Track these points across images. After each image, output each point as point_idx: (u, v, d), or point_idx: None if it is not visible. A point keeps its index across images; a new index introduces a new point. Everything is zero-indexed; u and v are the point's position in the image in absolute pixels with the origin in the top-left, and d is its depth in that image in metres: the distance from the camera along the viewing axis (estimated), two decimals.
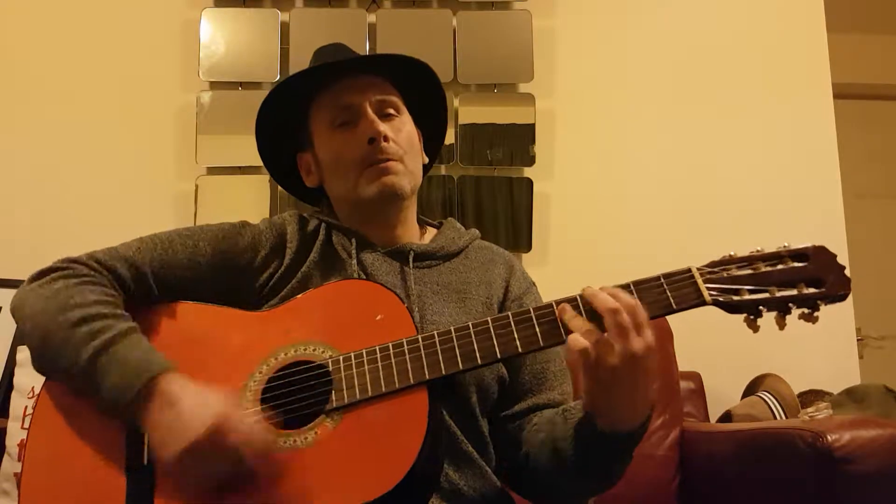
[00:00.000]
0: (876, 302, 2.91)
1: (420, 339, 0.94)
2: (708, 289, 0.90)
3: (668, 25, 2.40)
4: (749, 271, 0.91)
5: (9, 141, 2.26)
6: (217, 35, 2.28)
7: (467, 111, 2.28)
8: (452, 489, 1.01)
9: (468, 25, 2.31)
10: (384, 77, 1.18)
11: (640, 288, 0.91)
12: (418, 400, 0.91)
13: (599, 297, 0.87)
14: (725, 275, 0.91)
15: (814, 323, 0.89)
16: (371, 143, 1.11)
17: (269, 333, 1.01)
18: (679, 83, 2.37)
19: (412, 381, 0.92)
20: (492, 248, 1.24)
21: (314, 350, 0.97)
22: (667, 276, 0.91)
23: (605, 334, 0.85)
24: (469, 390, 1.05)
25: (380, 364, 0.93)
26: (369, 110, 1.13)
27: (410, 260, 1.13)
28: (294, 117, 1.20)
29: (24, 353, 1.81)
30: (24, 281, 1.04)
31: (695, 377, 2.02)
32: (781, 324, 0.89)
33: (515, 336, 0.93)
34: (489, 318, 0.95)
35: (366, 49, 2.26)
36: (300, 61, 1.22)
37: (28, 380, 1.77)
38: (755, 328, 0.90)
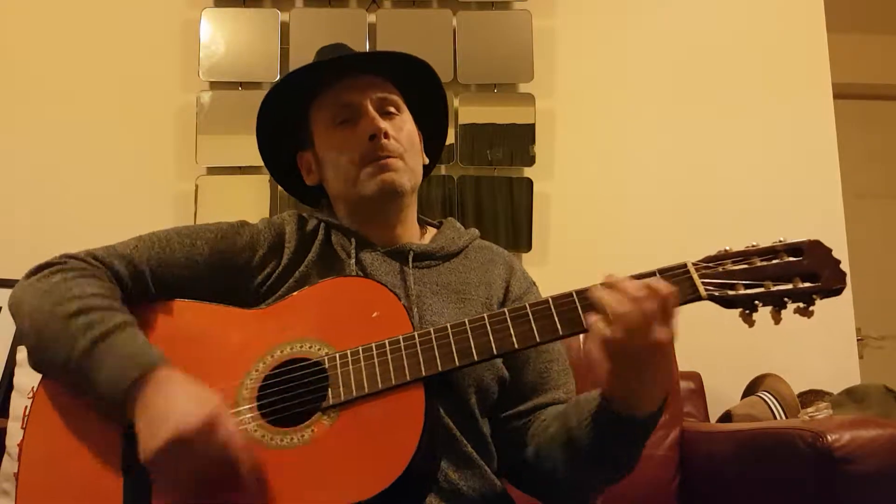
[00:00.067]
0: (876, 302, 2.90)
1: (416, 336, 0.94)
2: (703, 283, 0.90)
3: (668, 25, 2.40)
4: (744, 266, 0.91)
5: (9, 141, 2.26)
6: (217, 35, 2.28)
7: (467, 111, 2.28)
8: (452, 489, 1.01)
9: (468, 25, 2.31)
10: (385, 76, 1.18)
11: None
12: (415, 397, 0.91)
13: (628, 284, 0.86)
14: (721, 269, 0.91)
15: (809, 317, 0.89)
16: (372, 140, 1.11)
17: (266, 331, 1.01)
18: (679, 83, 2.37)
19: (408, 378, 0.92)
20: (492, 248, 1.24)
21: (310, 347, 0.97)
22: (663, 270, 0.91)
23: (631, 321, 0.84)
24: (468, 391, 1.05)
25: (376, 361, 0.93)
26: (370, 108, 1.13)
27: (410, 260, 1.13)
28: (294, 116, 1.20)
29: (23, 353, 1.81)
30: (20, 280, 1.04)
31: (695, 377, 2.02)
32: (777, 318, 0.89)
33: (511, 332, 0.93)
34: (485, 315, 0.95)
35: (366, 49, 2.26)
36: (300, 61, 1.22)
37: (28, 380, 1.77)
38: (750, 322, 0.90)
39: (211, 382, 0.94)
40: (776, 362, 2.08)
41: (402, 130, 1.15)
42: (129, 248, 1.08)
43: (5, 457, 1.75)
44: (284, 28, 2.29)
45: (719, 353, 2.07)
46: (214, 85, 2.29)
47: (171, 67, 2.32)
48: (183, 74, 2.31)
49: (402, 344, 0.94)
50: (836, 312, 2.11)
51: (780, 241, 0.92)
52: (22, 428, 1.71)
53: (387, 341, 0.94)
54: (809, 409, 1.90)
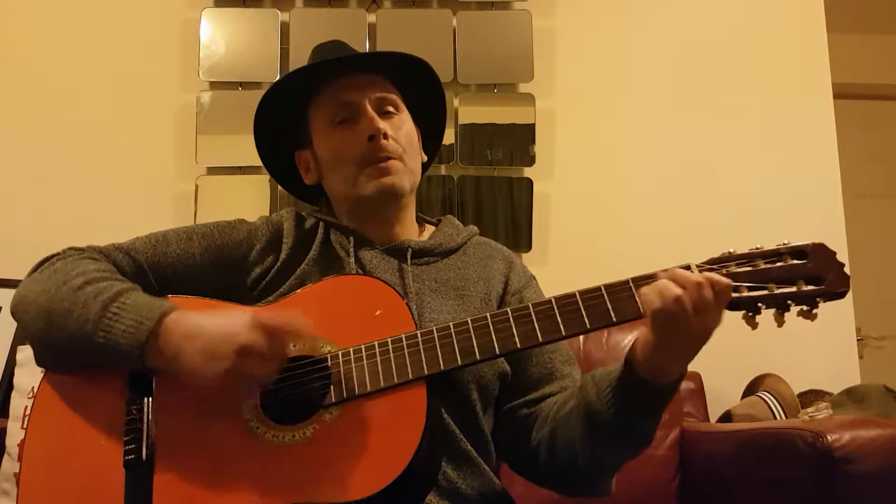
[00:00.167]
0: (876, 302, 2.90)
1: (419, 335, 0.94)
2: None
3: (668, 25, 2.40)
4: (748, 268, 0.91)
5: (9, 141, 2.26)
6: (217, 35, 2.28)
7: (467, 111, 2.28)
8: (451, 488, 1.01)
9: (468, 25, 2.31)
10: (384, 75, 1.18)
11: (639, 284, 0.91)
12: (417, 395, 0.91)
13: (683, 274, 0.88)
14: (725, 272, 0.91)
15: (812, 320, 0.89)
16: (371, 141, 1.11)
17: None
18: (679, 83, 2.37)
19: (411, 377, 0.92)
20: (490, 244, 1.24)
21: (313, 345, 0.97)
22: (667, 271, 0.91)
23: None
24: (469, 387, 1.05)
25: (378, 359, 0.94)
26: (369, 108, 1.13)
27: (409, 257, 1.13)
28: (293, 115, 1.20)
29: (23, 353, 1.81)
30: (23, 280, 1.05)
31: (695, 377, 2.02)
32: (780, 321, 0.90)
33: (514, 332, 0.93)
34: (488, 314, 0.95)
35: (366, 49, 2.26)
36: (300, 61, 1.22)
37: (28, 380, 1.77)
38: (754, 325, 0.90)
39: None
40: (776, 362, 2.08)
41: (401, 130, 1.15)
42: (126, 245, 1.10)
43: (5, 457, 1.75)
44: (284, 28, 2.29)
45: (719, 353, 2.05)
46: (214, 85, 2.29)
47: (171, 67, 2.32)
48: (183, 74, 2.31)
49: (404, 342, 0.94)
50: (836, 312, 2.10)
51: (785, 244, 0.92)
52: (22, 428, 1.71)
53: (389, 339, 0.95)
54: (809, 409, 1.90)
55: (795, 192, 2.32)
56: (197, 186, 2.21)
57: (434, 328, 0.95)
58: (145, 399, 0.95)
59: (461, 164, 2.25)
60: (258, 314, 0.89)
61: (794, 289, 0.90)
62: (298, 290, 1.05)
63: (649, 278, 0.91)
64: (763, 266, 0.91)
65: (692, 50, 2.38)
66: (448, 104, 1.27)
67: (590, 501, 1.13)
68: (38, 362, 1.01)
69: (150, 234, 1.12)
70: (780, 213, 2.29)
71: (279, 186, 1.39)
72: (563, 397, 1.08)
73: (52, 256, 1.06)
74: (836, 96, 2.41)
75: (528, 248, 2.23)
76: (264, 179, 2.21)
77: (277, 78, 2.20)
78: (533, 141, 2.28)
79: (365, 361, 0.94)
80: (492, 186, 2.25)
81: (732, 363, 2.09)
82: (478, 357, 0.93)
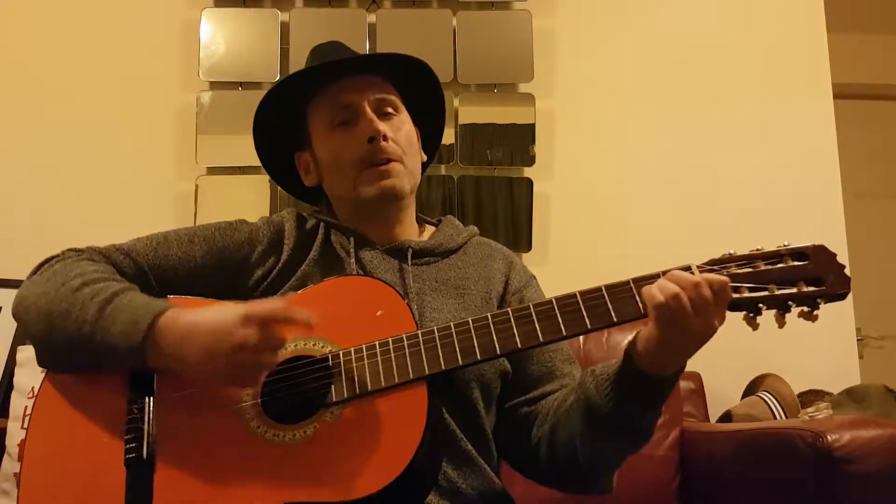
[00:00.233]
0: (876, 302, 2.91)
1: (420, 335, 0.95)
2: None
3: (668, 25, 2.40)
4: (749, 269, 0.91)
5: (9, 141, 2.26)
6: (217, 35, 2.28)
7: (467, 111, 2.28)
8: (451, 487, 1.01)
9: (468, 25, 2.31)
10: (383, 76, 1.18)
11: (640, 285, 0.91)
12: (417, 395, 0.91)
13: (684, 274, 0.88)
14: (725, 273, 0.91)
15: (813, 321, 0.90)
16: (371, 143, 1.11)
17: None
18: (679, 83, 2.37)
19: (412, 376, 0.92)
20: (490, 244, 1.24)
21: (314, 345, 0.98)
22: (667, 273, 0.91)
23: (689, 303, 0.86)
24: (470, 386, 1.05)
25: (379, 359, 0.94)
26: (368, 109, 1.13)
27: (409, 257, 1.13)
28: (292, 117, 1.20)
29: (23, 353, 1.81)
30: (24, 281, 1.05)
31: (695, 377, 2.02)
32: (781, 322, 0.90)
33: (515, 332, 0.94)
34: (489, 314, 0.95)
35: (366, 49, 2.26)
36: (300, 61, 1.22)
37: (28, 380, 1.77)
38: (755, 326, 0.90)
39: None
40: (776, 362, 2.08)
41: (401, 131, 1.16)
42: (127, 246, 1.10)
43: (5, 457, 1.75)
44: (284, 28, 2.29)
45: (719, 353, 2.05)
46: (214, 85, 2.29)
47: (171, 67, 2.32)
48: (183, 74, 2.31)
49: (405, 342, 0.94)
50: (836, 312, 2.09)
51: (785, 245, 0.92)
52: (22, 428, 1.71)
53: (390, 339, 0.95)
54: (809, 409, 1.90)
55: (795, 192, 2.32)
56: (197, 186, 2.21)
57: (435, 328, 0.95)
58: (146, 398, 0.96)
59: (461, 164, 2.25)
60: (250, 308, 0.89)
61: (794, 290, 0.90)
62: (300, 291, 1.05)
63: (650, 279, 0.91)
64: (764, 267, 0.91)
65: (692, 50, 2.38)
66: (448, 104, 1.27)
67: (590, 500, 1.13)
68: (40, 363, 1.02)
69: (150, 235, 1.12)
70: (780, 213, 2.29)
71: (279, 187, 1.39)
72: (562, 394, 1.09)
73: (52, 258, 1.07)
74: (836, 96, 2.41)
75: (528, 248, 2.23)
76: (264, 179, 2.21)
77: (277, 78, 2.21)
78: (533, 141, 2.28)
79: (366, 361, 0.94)
80: (492, 186, 2.25)
81: (732, 363, 2.09)
82: (479, 357, 0.94)
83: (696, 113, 2.35)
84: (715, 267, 0.92)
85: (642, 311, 0.91)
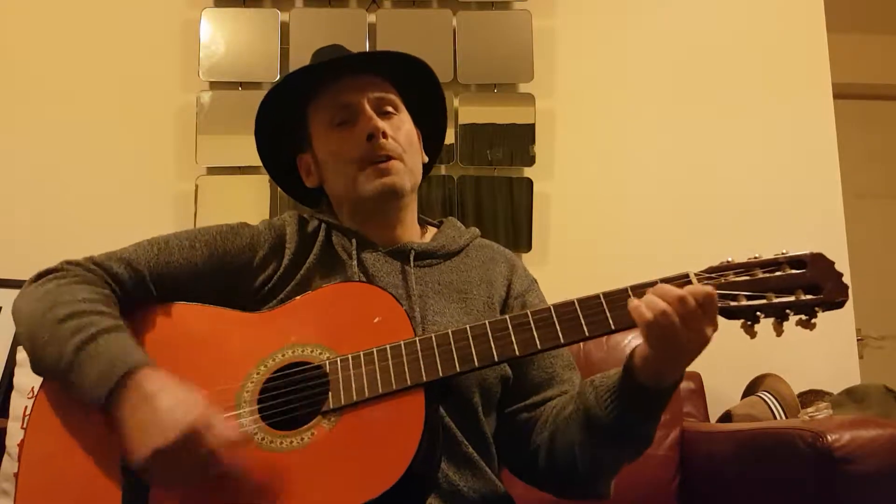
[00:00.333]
0: (876, 302, 2.91)
1: (417, 342, 0.94)
2: None
3: (668, 25, 2.40)
4: (747, 277, 0.91)
5: (9, 141, 2.26)
6: (217, 35, 2.28)
7: (467, 111, 2.28)
8: (452, 490, 1.01)
9: (468, 25, 2.31)
10: (383, 76, 1.18)
11: (638, 292, 0.91)
12: (415, 401, 0.91)
13: (668, 288, 0.88)
14: (723, 280, 0.91)
15: (811, 329, 0.90)
16: (370, 140, 1.11)
17: (268, 335, 1.01)
18: (679, 83, 2.37)
19: (409, 384, 0.92)
20: (492, 247, 1.24)
21: (312, 352, 0.98)
22: (665, 280, 0.91)
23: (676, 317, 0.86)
24: (471, 391, 1.05)
25: (377, 366, 0.93)
26: (368, 108, 1.13)
27: (411, 259, 1.13)
28: (293, 119, 1.20)
29: (23, 354, 1.81)
30: (24, 281, 1.05)
31: (695, 377, 2.02)
32: (779, 330, 0.90)
33: (513, 339, 0.93)
34: (487, 322, 0.95)
35: (365, 49, 2.26)
36: (300, 61, 1.22)
37: (28, 380, 1.77)
38: (752, 334, 0.90)
39: (212, 384, 0.95)
40: (776, 362, 2.08)
41: (401, 130, 1.15)
42: (128, 252, 1.09)
43: (5, 457, 1.75)
44: (284, 28, 2.29)
45: (719, 353, 2.05)
46: (214, 85, 2.29)
47: (171, 67, 2.32)
48: (183, 74, 2.31)
49: (403, 349, 0.94)
50: (836, 313, 2.10)
51: (783, 253, 0.92)
52: (22, 428, 1.71)
53: (388, 346, 0.95)
54: (809, 409, 1.90)
55: (795, 192, 2.32)
56: (197, 186, 2.21)
57: (433, 335, 0.95)
58: None
59: (461, 164, 2.25)
60: (200, 428, 0.85)
61: (792, 298, 0.90)
62: (298, 297, 1.05)
63: (649, 286, 0.91)
64: (762, 275, 0.91)
65: (692, 50, 2.38)
66: (448, 104, 1.27)
67: (589, 502, 1.14)
68: (33, 371, 1.02)
69: (151, 240, 1.11)
70: (780, 213, 2.29)
71: (280, 189, 1.39)
72: (562, 401, 1.09)
73: (50, 272, 1.05)
74: (836, 96, 2.41)
75: (528, 248, 2.23)
76: (264, 179, 2.21)
77: (277, 78, 2.21)
78: (533, 141, 2.28)
79: (363, 368, 0.94)
80: (492, 186, 2.25)
81: (732, 363, 2.09)
82: (476, 364, 0.93)
83: (696, 113, 2.35)
84: (713, 275, 0.92)
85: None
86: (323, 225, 1.17)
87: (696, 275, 0.92)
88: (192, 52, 2.27)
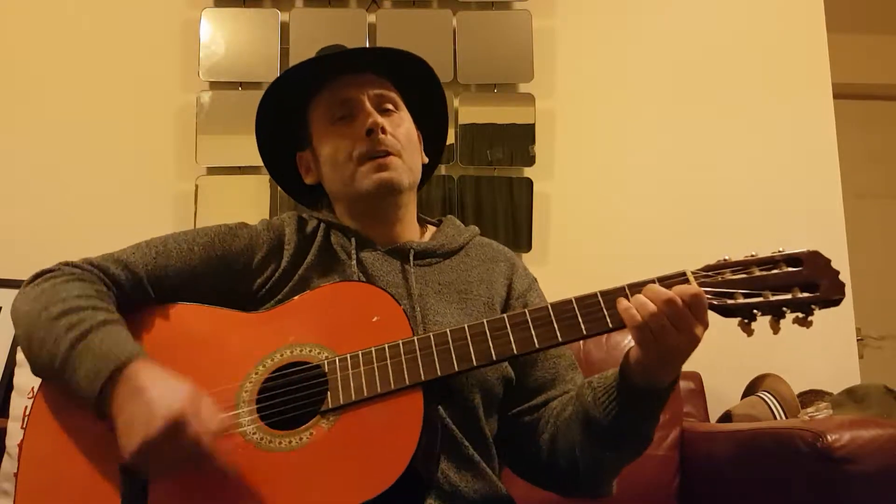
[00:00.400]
0: (876, 302, 2.91)
1: (416, 341, 0.95)
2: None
3: (668, 25, 2.40)
4: (743, 275, 0.92)
5: (9, 141, 2.26)
6: (217, 35, 2.28)
7: (467, 111, 2.28)
8: (452, 491, 1.01)
9: (468, 25, 2.31)
10: (384, 76, 1.18)
11: (635, 291, 0.91)
12: (413, 401, 0.91)
13: (657, 289, 0.89)
14: (720, 279, 0.91)
15: (808, 327, 0.90)
16: (369, 136, 1.11)
17: (266, 335, 1.01)
18: (679, 83, 2.37)
19: (408, 383, 0.92)
20: (492, 245, 1.24)
21: (310, 351, 0.98)
22: (662, 279, 0.92)
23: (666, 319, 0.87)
24: (472, 391, 1.05)
25: (375, 365, 0.93)
26: (367, 104, 1.13)
27: (411, 258, 1.13)
28: (293, 116, 1.20)
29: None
30: (23, 281, 1.05)
31: (695, 377, 2.02)
32: (775, 328, 0.90)
33: (511, 339, 0.93)
34: (485, 321, 0.95)
35: None
36: (300, 61, 1.21)
37: (28, 380, 1.77)
38: (749, 332, 0.91)
39: (211, 385, 0.95)
40: (776, 362, 2.08)
41: (400, 127, 1.15)
42: (126, 255, 1.08)
43: (5, 457, 1.75)
44: (284, 28, 2.29)
45: (719, 353, 2.06)
46: (214, 85, 2.29)
47: (171, 67, 2.32)
48: (183, 74, 2.31)
49: (401, 349, 0.94)
50: (836, 312, 2.10)
51: (780, 251, 0.92)
52: (22, 428, 1.71)
53: (386, 346, 0.95)
54: (809, 409, 1.90)
55: (795, 192, 2.32)
56: (197, 186, 2.21)
57: (431, 335, 0.95)
58: None
59: (461, 164, 2.25)
60: (189, 414, 0.85)
61: (789, 296, 0.90)
62: (297, 297, 1.05)
63: (644, 284, 0.91)
64: (758, 273, 0.91)
65: (692, 50, 2.38)
66: (448, 104, 1.27)
67: (590, 501, 1.14)
68: (32, 372, 1.02)
69: (150, 241, 1.11)
70: (779, 213, 2.29)
71: (279, 187, 1.39)
72: (562, 402, 1.09)
73: (46, 272, 1.05)
74: (836, 96, 2.41)
75: (528, 248, 2.23)
76: (264, 179, 2.21)
77: None
78: (533, 141, 2.28)
79: (362, 368, 0.94)
80: (492, 186, 2.25)
81: (732, 363, 2.09)
82: (474, 363, 0.93)
83: (696, 113, 2.35)
84: (710, 273, 0.92)
85: None
86: (322, 224, 1.17)
87: (693, 273, 0.92)
88: (192, 52, 2.27)
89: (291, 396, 0.94)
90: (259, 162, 1.24)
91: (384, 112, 1.15)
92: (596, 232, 2.28)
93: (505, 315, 0.95)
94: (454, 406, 1.03)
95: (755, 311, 0.90)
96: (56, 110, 2.28)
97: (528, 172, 2.28)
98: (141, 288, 1.06)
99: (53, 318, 0.96)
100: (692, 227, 2.27)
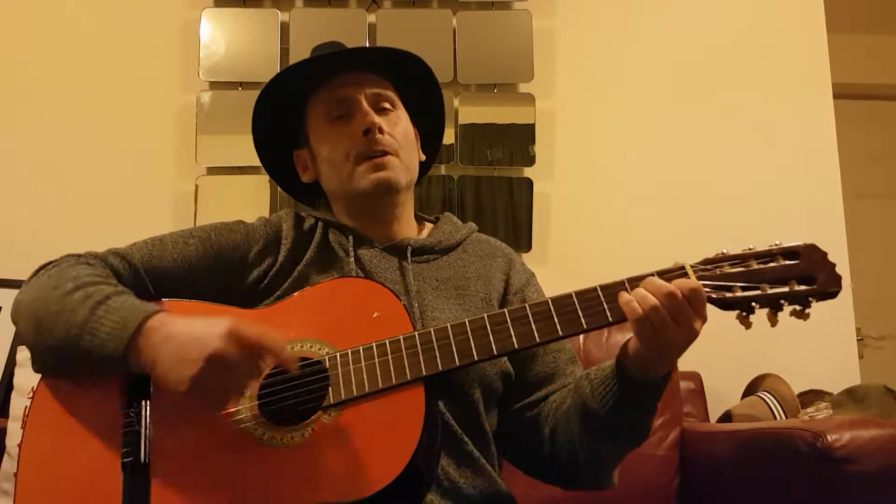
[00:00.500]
0: (876, 302, 2.91)
1: (416, 336, 0.95)
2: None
3: (668, 25, 2.40)
4: (741, 269, 0.92)
5: (9, 141, 2.26)
6: (217, 35, 2.28)
7: (467, 111, 2.28)
8: (452, 487, 1.01)
9: (468, 25, 2.31)
10: (382, 75, 1.18)
11: (633, 285, 0.92)
12: (415, 396, 0.91)
13: (657, 282, 0.90)
14: (718, 272, 0.92)
15: (805, 320, 0.90)
16: (366, 135, 1.11)
17: None
18: (679, 83, 2.37)
19: (409, 378, 0.92)
20: (490, 242, 1.24)
21: (311, 347, 0.98)
22: (661, 273, 0.92)
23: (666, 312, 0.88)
24: (472, 387, 1.05)
25: (377, 361, 0.94)
26: (364, 103, 1.13)
27: (409, 255, 1.13)
28: (290, 114, 1.20)
29: (23, 354, 1.81)
30: (23, 281, 1.05)
31: (695, 377, 2.02)
32: (773, 321, 0.91)
33: (511, 333, 0.94)
34: (485, 316, 0.95)
35: None
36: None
37: (28, 380, 1.77)
38: (747, 325, 0.91)
39: None
40: (776, 362, 2.08)
41: (397, 126, 1.15)
42: (123, 249, 1.09)
43: (5, 457, 1.75)
44: (284, 28, 2.29)
45: (719, 353, 2.07)
46: (214, 85, 2.29)
47: (171, 67, 2.32)
48: (183, 74, 2.31)
49: (402, 344, 0.94)
50: (836, 312, 2.11)
51: (777, 245, 0.93)
52: (22, 428, 1.71)
53: (387, 341, 0.95)
54: (809, 409, 1.90)
55: (795, 192, 2.32)
56: (197, 186, 2.21)
57: (432, 330, 0.95)
58: (143, 401, 0.95)
59: (461, 164, 2.25)
60: (237, 324, 0.87)
61: (786, 289, 0.91)
62: (297, 293, 1.05)
63: (644, 278, 0.92)
64: (756, 266, 0.92)
65: (692, 50, 2.38)
66: (448, 104, 1.27)
67: (590, 498, 1.14)
68: (35, 368, 1.01)
69: (148, 238, 1.11)
70: (780, 213, 2.29)
71: (278, 186, 1.39)
72: (560, 396, 1.09)
73: (50, 263, 1.05)
74: (836, 96, 2.41)
75: (528, 248, 2.24)
76: (264, 179, 2.21)
77: None
78: (533, 141, 2.28)
79: (363, 363, 0.94)
80: (492, 186, 2.25)
81: (732, 363, 2.10)
82: (475, 358, 0.94)
83: (696, 113, 2.35)
84: (708, 266, 0.93)
85: None
86: (319, 222, 1.17)
87: (691, 266, 0.93)
88: (192, 52, 2.28)
89: (293, 392, 0.94)
90: (259, 162, 1.24)
91: (381, 111, 1.15)
92: (596, 232, 2.28)
93: (505, 309, 0.96)
94: (454, 402, 1.03)
95: (753, 303, 0.91)
96: (56, 110, 2.28)
97: (528, 172, 2.28)
98: (139, 280, 1.07)
99: (68, 292, 0.96)
100: (692, 226, 2.27)
